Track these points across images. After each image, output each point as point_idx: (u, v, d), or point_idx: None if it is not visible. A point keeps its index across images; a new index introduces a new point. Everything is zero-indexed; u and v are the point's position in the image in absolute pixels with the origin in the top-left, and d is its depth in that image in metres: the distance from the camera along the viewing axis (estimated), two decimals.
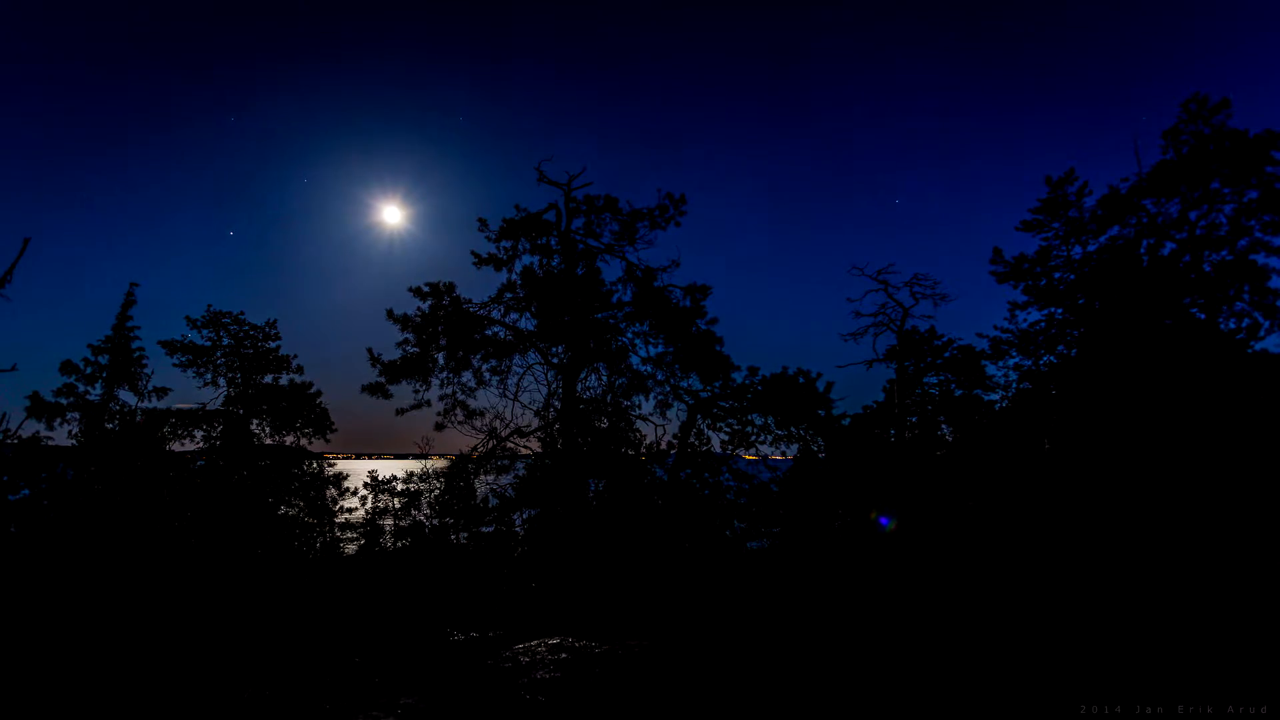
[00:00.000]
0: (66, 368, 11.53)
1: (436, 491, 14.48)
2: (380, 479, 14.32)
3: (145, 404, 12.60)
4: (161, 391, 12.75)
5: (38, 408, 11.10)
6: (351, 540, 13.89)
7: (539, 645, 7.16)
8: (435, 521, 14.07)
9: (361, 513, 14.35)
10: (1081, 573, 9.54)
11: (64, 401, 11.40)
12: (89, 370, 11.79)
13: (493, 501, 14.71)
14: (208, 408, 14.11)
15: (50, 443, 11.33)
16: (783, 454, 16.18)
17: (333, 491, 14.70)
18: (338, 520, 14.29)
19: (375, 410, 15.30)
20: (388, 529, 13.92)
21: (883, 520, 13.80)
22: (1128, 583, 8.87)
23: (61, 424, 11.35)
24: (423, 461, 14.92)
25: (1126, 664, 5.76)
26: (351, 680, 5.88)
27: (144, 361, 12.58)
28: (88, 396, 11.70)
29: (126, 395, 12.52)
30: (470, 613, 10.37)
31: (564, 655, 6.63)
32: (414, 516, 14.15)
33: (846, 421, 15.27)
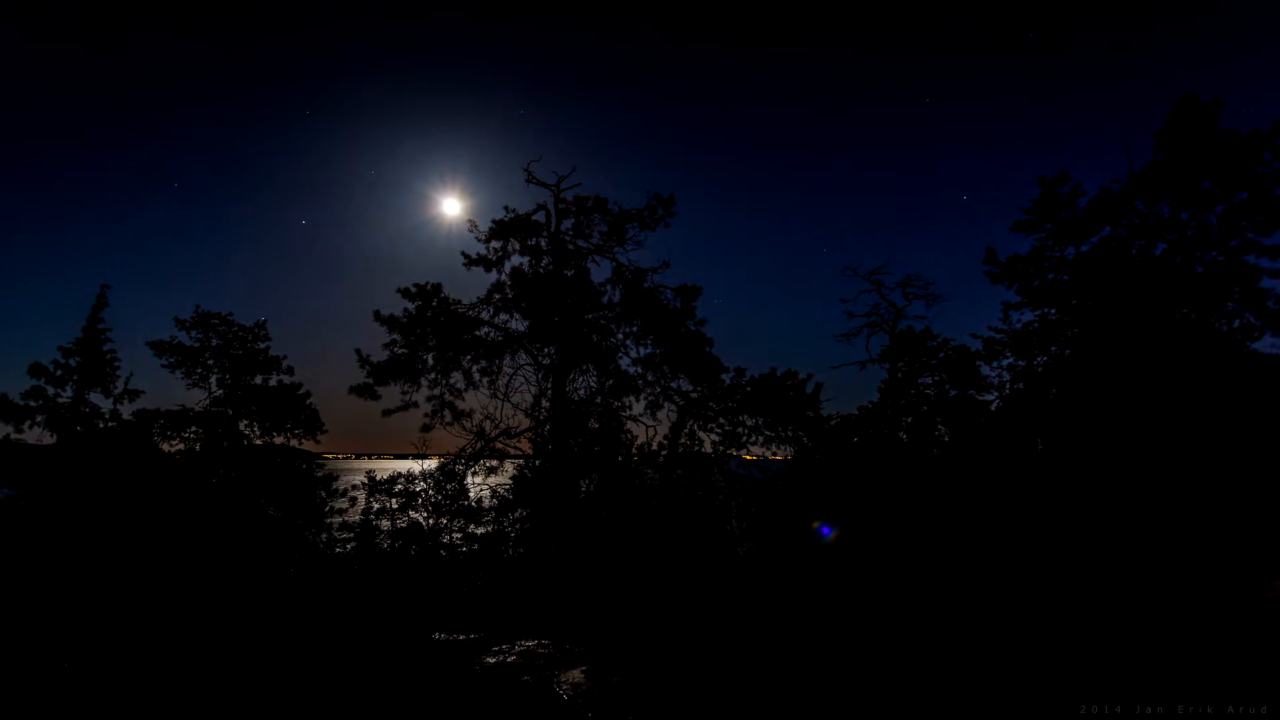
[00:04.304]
0: (36, 370, 11.47)
1: (430, 492, 14.41)
2: (378, 479, 14.26)
3: (116, 406, 12.52)
4: (134, 394, 12.67)
5: (5, 410, 11.04)
6: (345, 541, 13.81)
7: (517, 647, 7.09)
8: (430, 522, 14.00)
9: (355, 513, 14.27)
10: (1079, 573, 9.45)
11: (33, 404, 11.34)
12: (59, 373, 11.73)
13: (487, 503, 14.64)
14: (195, 409, 14.03)
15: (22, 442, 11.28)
16: (779, 455, 16.12)
17: (322, 493, 14.61)
18: (330, 521, 14.21)
19: (376, 410, 15.23)
20: (384, 530, 13.85)
21: (877, 522, 13.70)
22: (1125, 583, 8.79)
23: (31, 426, 11.30)
24: (421, 462, 14.86)
25: (1126, 664, 5.70)
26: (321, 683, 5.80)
27: (116, 364, 12.52)
28: (58, 399, 11.64)
29: (99, 399, 12.48)
30: (458, 614, 10.29)
31: (541, 658, 6.55)
32: (410, 517, 14.08)
33: (836, 423, 15.18)
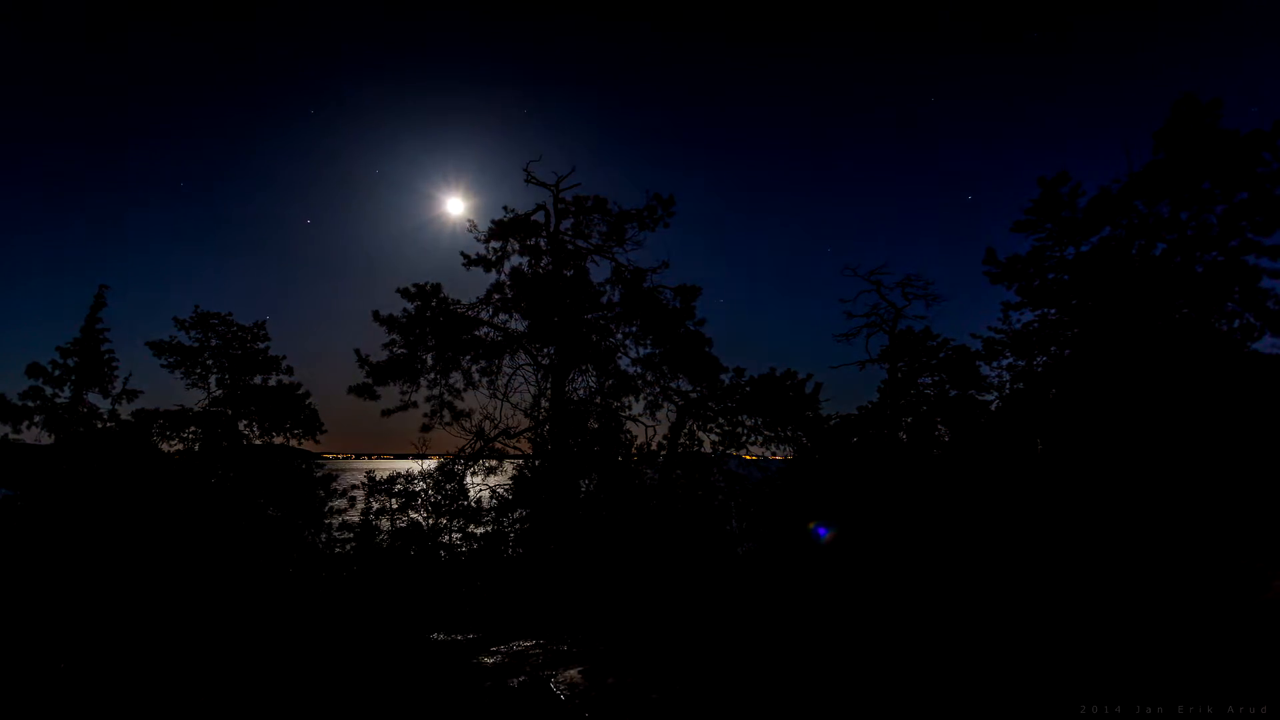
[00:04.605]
0: (33, 370, 11.46)
1: (430, 492, 14.40)
2: (377, 479, 14.26)
3: (114, 406, 12.51)
4: (132, 394, 12.66)
5: (3, 410, 11.04)
6: (345, 541, 13.80)
7: (515, 647, 7.09)
8: (430, 522, 13.99)
9: (354, 513, 14.26)
10: (1079, 573, 9.43)
11: (31, 404, 11.34)
12: (57, 373, 11.72)
13: (487, 503, 14.63)
14: (194, 410, 14.01)
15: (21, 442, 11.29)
16: (779, 455, 16.10)
17: (321, 493, 14.60)
18: (329, 522, 14.20)
19: (376, 410, 15.23)
20: (384, 530, 13.84)
21: (877, 522, 13.67)
22: (1125, 582, 8.77)
23: (29, 427, 11.30)
24: (420, 462, 14.86)
25: (1126, 664, 5.68)
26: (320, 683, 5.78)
27: (114, 364, 12.51)
28: (56, 399, 11.63)
29: (97, 399, 12.47)
30: (457, 614, 10.28)
31: (539, 658, 6.54)
32: (410, 518, 14.08)
33: (835, 423, 15.16)
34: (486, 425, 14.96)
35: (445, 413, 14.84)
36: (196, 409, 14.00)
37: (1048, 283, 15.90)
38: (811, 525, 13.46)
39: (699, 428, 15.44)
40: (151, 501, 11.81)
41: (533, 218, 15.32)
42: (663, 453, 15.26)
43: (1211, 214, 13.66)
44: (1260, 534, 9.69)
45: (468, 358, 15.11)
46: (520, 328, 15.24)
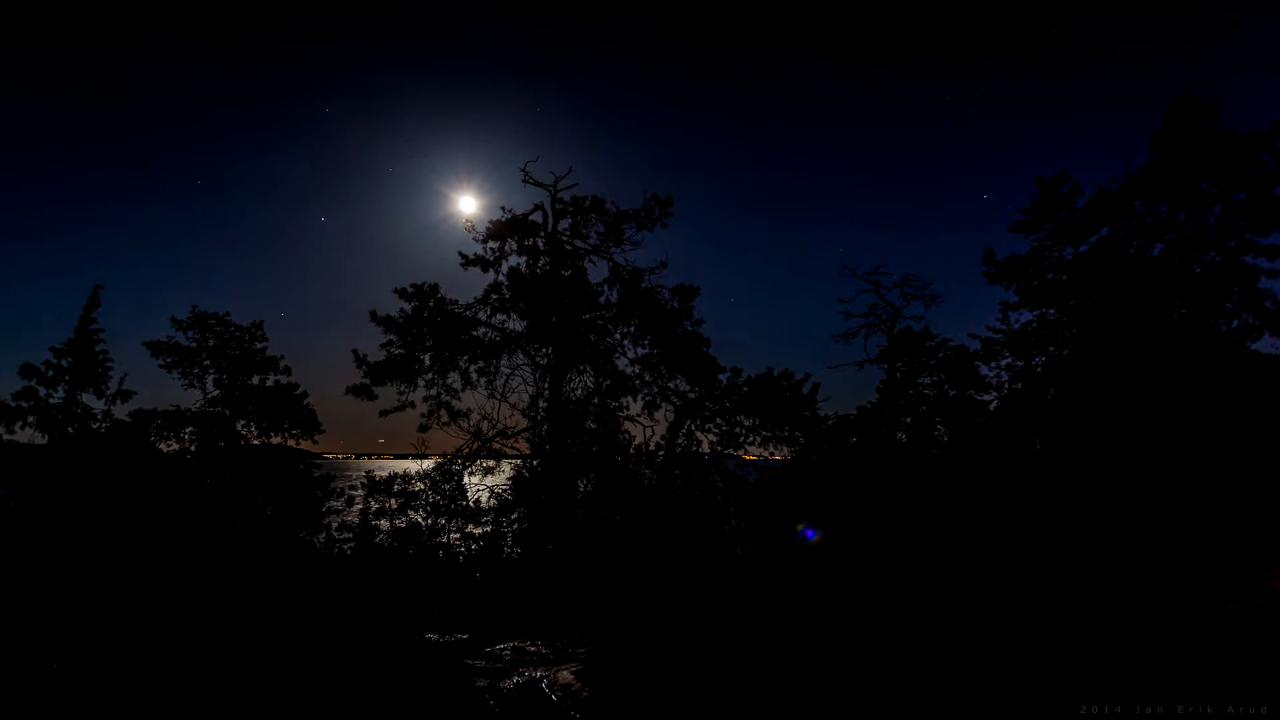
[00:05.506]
0: (27, 371, 11.43)
1: (429, 493, 14.40)
2: (376, 479, 14.24)
3: (109, 407, 12.47)
4: (127, 394, 12.62)
5: None
6: (344, 542, 13.77)
7: (509, 647, 7.06)
8: (429, 522, 13.97)
9: (353, 514, 14.26)
10: (1077, 572, 9.40)
11: (25, 405, 11.31)
12: (50, 374, 11.68)
13: (485, 503, 14.62)
14: (190, 410, 13.97)
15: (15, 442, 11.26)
16: (778, 455, 16.07)
17: (318, 493, 14.57)
18: (328, 521, 14.18)
19: (377, 409, 15.16)
20: (383, 530, 13.83)
21: (876, 522, 13.63)
22: (1123, 582, 8.74)
23: (23, 427, 11.27)
24: (420, 462, 14.83)
25: (1126, 664, 5.65)
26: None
27: (109, 364, 12.47)
28: (50, 400, 11.60)
29: (92, 399, 12.43)
30: (454, 614, 10.26)
31: (532, 658, 6.51)
32: (409, 518, 14.06)
33: (833, 423, 15.14)
34: (484, 425, 14.95)
35: (443, 413, 14.81)
36: (193, 409, 13.97)
37: (1046, 283, 15.87)
38: (810, 526, 13.42)
39: (697, 428, 15.42)
40: (147, 501, 11.78)
41: (530, 218, 15.32)
42: (661, 453, 15.24)
43: (1210, 214, 13.63)
44: (1257, 534, 9.67)
45: (465, 358, 15.09)
46: (518, 328, 15.23)
